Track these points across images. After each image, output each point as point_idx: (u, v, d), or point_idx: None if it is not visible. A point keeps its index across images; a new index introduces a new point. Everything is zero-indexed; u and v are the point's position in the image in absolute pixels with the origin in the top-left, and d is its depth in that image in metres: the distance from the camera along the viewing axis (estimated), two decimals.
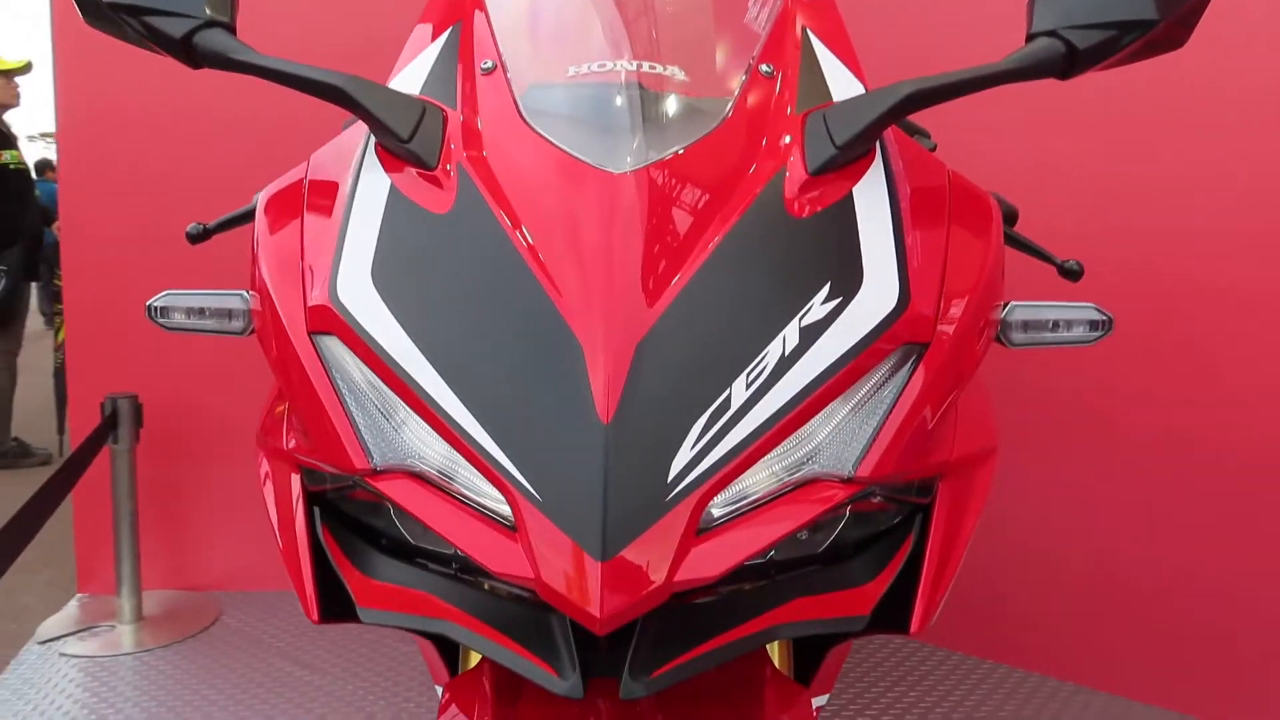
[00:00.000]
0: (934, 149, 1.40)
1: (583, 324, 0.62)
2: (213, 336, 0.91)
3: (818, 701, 1.05)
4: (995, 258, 0.79)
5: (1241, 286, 1.93)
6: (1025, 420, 2.20)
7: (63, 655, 2.28)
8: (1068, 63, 0.73)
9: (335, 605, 0.74)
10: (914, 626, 0.72)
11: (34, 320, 5.17)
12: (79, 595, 2.64)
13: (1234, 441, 1.94)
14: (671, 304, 0.64)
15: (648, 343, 0.62)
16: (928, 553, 0.73)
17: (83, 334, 2.60)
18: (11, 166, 4.16)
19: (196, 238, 1.05)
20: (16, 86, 4.32)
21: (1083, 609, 2.18)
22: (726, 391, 0.62)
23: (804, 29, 0.88)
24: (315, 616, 0.73)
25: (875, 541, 0.76)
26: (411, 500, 0.66)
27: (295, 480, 0.76)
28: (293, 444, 0.76)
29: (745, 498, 0.64)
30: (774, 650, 0.88)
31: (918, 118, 1.45)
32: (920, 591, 0.72)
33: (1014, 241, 1.29)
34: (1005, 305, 0.85)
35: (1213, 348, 1.96)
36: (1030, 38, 0.74)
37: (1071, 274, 1.19)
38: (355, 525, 0.77)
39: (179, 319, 0.86)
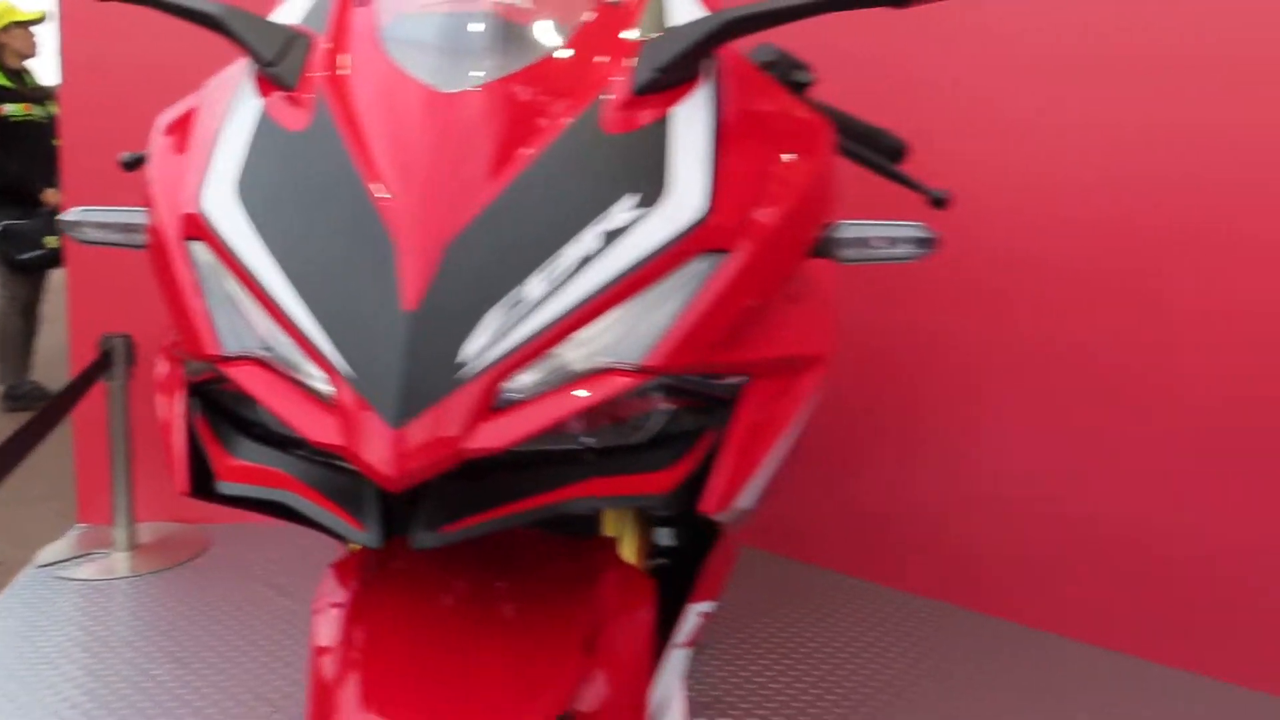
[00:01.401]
0: (812, 82, 1.44)
1: (399, 227, 0.70)
2: None
3: (702, 608, 1.13)
4: (816, 178, 0.85)
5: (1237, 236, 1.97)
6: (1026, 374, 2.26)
7: (59, 579, 2.41)
8: None
9: (207, 484, 0.83)
10: (702, 505, 0.78)
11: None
12: (78, 525, 2.78)
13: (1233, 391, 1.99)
14: (483, 210, 0.71)
15: (457, 243, 0.69)
16: (728, 442, 0.80)
17: (82, 279, 2.71)
18: (13, 119, 4.25)
19: (130, 165, 1.13)
20: (34, 36, 4.44)
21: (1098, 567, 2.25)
22: (523, 286, 0.69)
23: None
24: (184, 488, 0.82)
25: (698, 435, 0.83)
26: (252, 382, 0.74)
27: (175, 370, 0.85)
28: (172, 340, 0.85)
29: (542, 381, 0.71)
30: (628, 549, 0.96)
31: (801, 52, 1.49)
32: (715, 475, 0.79)
33: (890, 174, 1.35)
34: (835, 224, 0.90)
35: (1209, 300, 1.99)
36: None
37: (939, 202, 1.24)
38: (232, 417, 0.85)
39: (90, 233, 0.94)
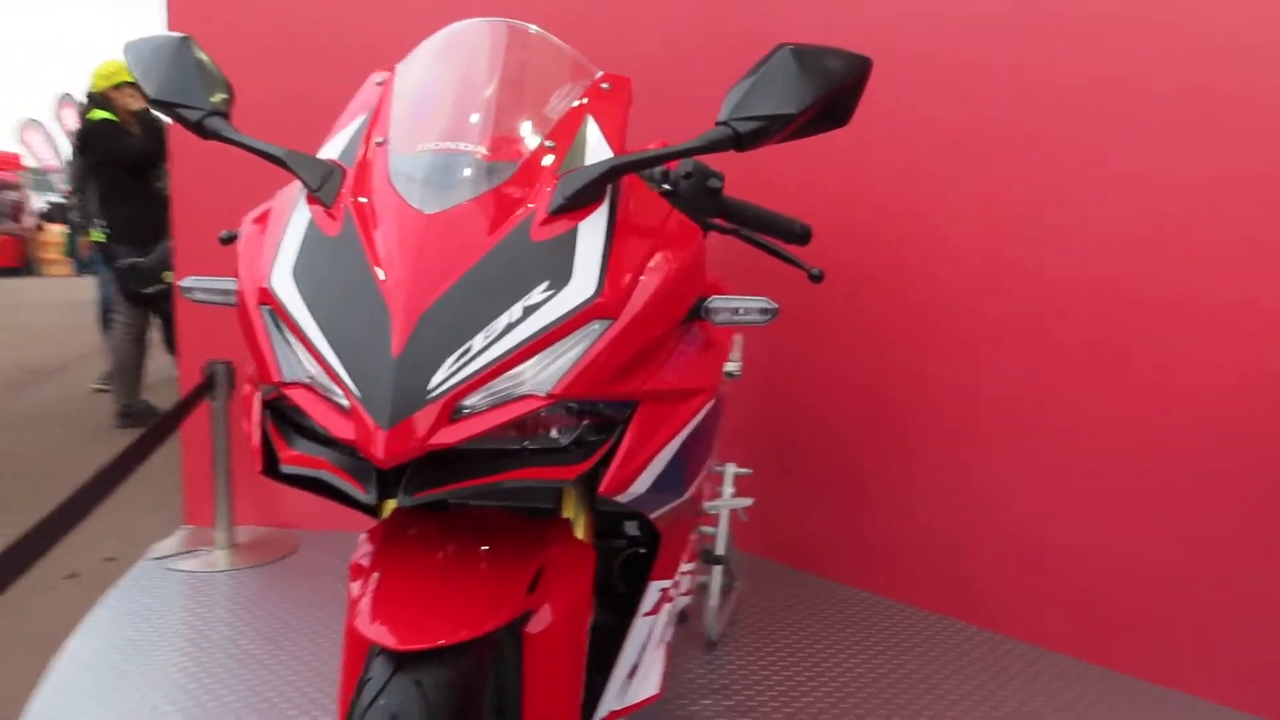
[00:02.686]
0: (720, 184, 1.76)
1: (392, 301, 1.03)
2: None
3: (661, 584, 1.44)
4: (687, 266, 1.18)
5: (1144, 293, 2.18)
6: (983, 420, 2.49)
7: (169, 570, 2.81)
8: (736, 143, 1.10)
9: (275, 467, 1.16)
10: (600, 488, 1.10)
11: None
12: (185, 526, 3.18)
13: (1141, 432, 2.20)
14: (446, 291, 1.03)
15: (430, 313, 1.02)
16: (621, 447, 1.11)
17: (189, 313, 3.12)
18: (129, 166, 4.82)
19: (227, 241, 1.47)
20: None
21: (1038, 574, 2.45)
22: (470, 341, 1.02)
23: (588, 115, 1.26)
24: (260, 469, 1.16)
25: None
26: (302, 399, 1.07)
27: (253, 391, 1.19)
28: (252, 371, 1.19)
29: (483, 402, 1.03)
30: (579, 529, 1.28)
31: (714, 162, 1.81)
32: (610, 468, 1.10)
33: (777, 254, 1.74)
34: (707, 296, 1.24)
35: (1127, 348, 2.21)
36: (717, 124, 1.11)
37: (815, 278, 1.58)
38: (290, 422, 1.18)
39: (199, 295, 1.28)
